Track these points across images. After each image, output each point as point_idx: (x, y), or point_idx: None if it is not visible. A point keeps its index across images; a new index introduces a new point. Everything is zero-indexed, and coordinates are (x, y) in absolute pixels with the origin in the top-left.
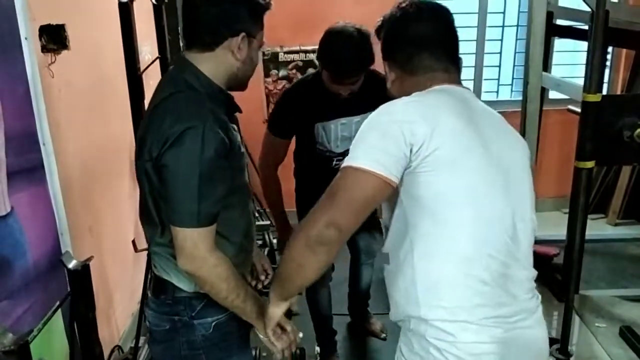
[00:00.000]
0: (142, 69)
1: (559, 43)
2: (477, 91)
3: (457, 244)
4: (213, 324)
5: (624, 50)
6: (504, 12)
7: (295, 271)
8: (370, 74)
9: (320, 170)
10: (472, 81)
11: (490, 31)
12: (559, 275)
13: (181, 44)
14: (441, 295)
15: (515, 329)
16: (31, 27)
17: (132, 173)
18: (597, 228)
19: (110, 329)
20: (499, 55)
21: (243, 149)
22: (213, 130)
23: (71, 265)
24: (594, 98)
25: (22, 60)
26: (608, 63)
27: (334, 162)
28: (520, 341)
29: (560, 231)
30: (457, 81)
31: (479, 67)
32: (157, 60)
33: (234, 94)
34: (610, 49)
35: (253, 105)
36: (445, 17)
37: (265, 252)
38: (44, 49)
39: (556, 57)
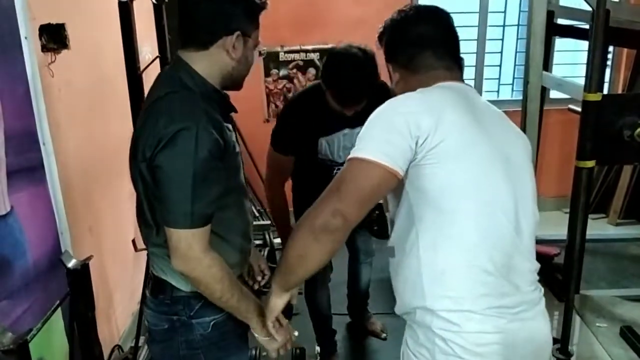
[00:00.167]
0: (142, 68)
1: (560, 42)
2: (478, 90)
3: (462, 235)
4: (211, 323)
5: (625, 50)
6: (504, 12)
7: (299, 260)
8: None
9: (320, 176)
10: (473, 80)
11: (491, 30)
12: (559, 275)
13: None
14: (446, 285)
15: (519, 320)
16: (31, 27)
17: None
18: (598, 228)
19: (110, 328)
20: (499, 54)
21: (238, 149)
22: (207, 130)
23: (70, 264)
24: (594, 97)
25: (22, 59)
26: (609, 62)
27: (335, 171)
28: (523, 332)
29: (561, 231)
30: (460, 79)
31: (479, 67)
32: (157, 60)
33: (235, 93)
34: (611, 48)
35: (253, 105)
36: (444, 18)
37: (266, 252)
38: (44, 49)
39: (557, 57)
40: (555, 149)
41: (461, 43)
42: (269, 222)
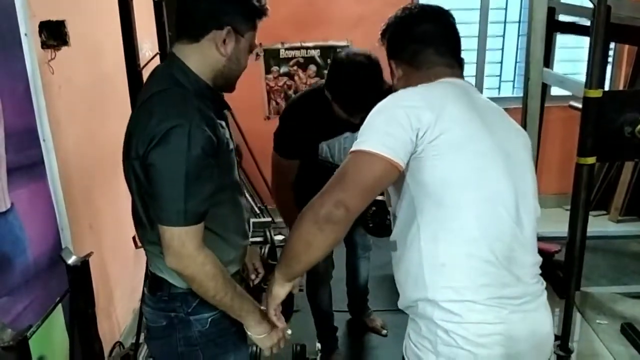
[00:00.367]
0: (142, 65)
1: (563, 40)
2: (479, 88)
3: (462, 227)
4: (209, 319)
5: (626, 47)
6: (505, 8)
7: (302, 250)
8: None
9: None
10: (474, 77)
11: (492, 27)
12: (560, 272)
13: None
14: (448, 276)
15: (521, 311)
16: (31, 23)
17: None
18: (599, 225)
19: (111, 325)
20: (500, 51)
21: (232, 146)
22: (200, 128)
23: (70, 261)
24: (595, 94)
25: (22, 56)
26: (610, 59)
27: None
28: (525, 323)
29: (561, 228)
30: (460, 76)
31: (480, 64)
32: (157, 57)
33: (236, 90)
34: (612, 45)
35: (254, 102)
36: (447, 18)
37: (266, 249)
38: (44, 45)
39: (559, 54)
40: (556, 146)
41: (462, 40)
42: (269, 219)
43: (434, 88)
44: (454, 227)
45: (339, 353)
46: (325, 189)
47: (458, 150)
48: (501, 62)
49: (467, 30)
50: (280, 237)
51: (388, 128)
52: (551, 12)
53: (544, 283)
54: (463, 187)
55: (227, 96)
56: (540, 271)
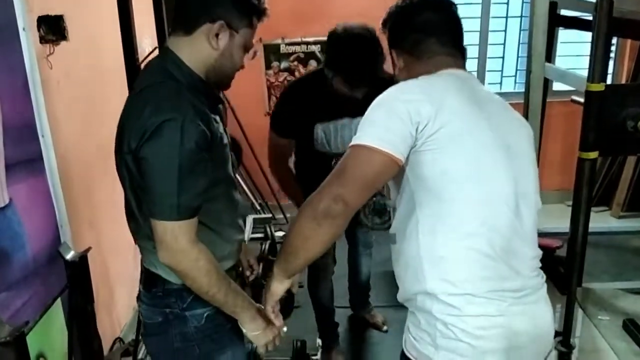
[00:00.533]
0: (141, 60)
1: (565, 35)
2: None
3: (461, 220)
4: (205, 315)
5: (629, 41)
6: (507, 3)
7: (301, 245)
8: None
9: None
10: (476, 72)
11: (493, 22)
12: (561, 267)
13: None
14: (446, 269)
15: (521, 304)
16: (29, 18)
17: None
18: (601, 220)
19: (111, 321)
20: (502, 46)
21: (226, 141)
22: (194, 122)
23: (69, 256)
24: (597, 87)
25: (20, 51)
26: (612, 54)
27: (334, 162)
28: (525, 316)
29: (563, 223)
30: (463, 67)
31: (482, 58)
32: (156, 52)
33: (236, 85)
34: (614, 39)
35: (254, 97)
36: (449, 7)
37: (267, 245)
38: (43, 40)
39: (561, 49)
40: (558, 142)
41: (464, 35)
42: (270, 215)
43: (435, 80)
44: (453, 220)
45: (339, 349)
46: (324, 185)
47: (458, 143)
48: (503, 57)
49: (468, 25)
50: (280, 234)
51: (387, 122)
52: (553, 6)
53: (544, 276)
54: (462, 181)
55: (227, 92)
56: (540, 264)
